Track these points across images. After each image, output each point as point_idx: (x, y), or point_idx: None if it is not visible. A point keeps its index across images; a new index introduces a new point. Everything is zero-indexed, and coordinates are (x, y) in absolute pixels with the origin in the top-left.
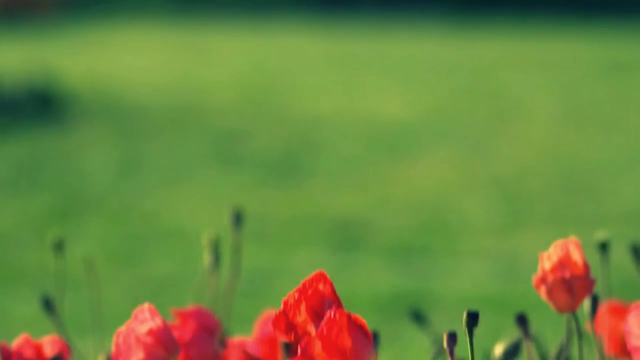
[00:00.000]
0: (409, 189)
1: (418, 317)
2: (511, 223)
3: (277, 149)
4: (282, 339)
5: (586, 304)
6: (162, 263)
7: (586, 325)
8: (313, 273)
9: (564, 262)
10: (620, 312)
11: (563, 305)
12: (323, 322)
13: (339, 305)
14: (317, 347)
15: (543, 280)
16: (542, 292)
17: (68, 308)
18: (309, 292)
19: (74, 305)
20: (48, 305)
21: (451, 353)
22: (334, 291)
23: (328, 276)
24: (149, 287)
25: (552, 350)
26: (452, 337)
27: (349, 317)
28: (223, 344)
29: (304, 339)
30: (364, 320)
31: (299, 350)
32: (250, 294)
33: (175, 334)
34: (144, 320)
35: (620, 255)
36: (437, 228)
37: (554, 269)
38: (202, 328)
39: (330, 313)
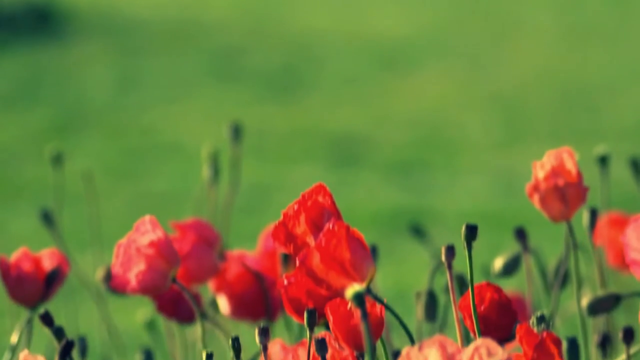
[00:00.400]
0: (409, 104)
1: (417, 231)
2: (510, 139)
3: (276, 64)
4: (281, 250)
5: (585, 217)
6: (160, 178)
7: (587, 239)
8: (312, 186)
9: (557, 170)
10: (621, 224)
11: (556, 214)
12: (322, 234)
13: (338, 217)
14: (316, 259)
15: (536, 188)
16: (536, 201)
17: (67, 223)
18: (309, 203)
19: (73, 220)
20: (47, 218)
21: (449, 266)
22: (333, 203)
23: (327, 188)
24: (148, 202)
25: (551, 264)
26: (451, 250)
27: (347, 228)
28: (222, 256)
29: (303, 251)
30: (361, 235)
31: (297, 262)
32: (249, 210)
33: (174, 246)
34: (145, 232)
35: (619, 170)
36: (436, 144)
37: (547, 177)
38: (201, 240)
39: (328, 225)
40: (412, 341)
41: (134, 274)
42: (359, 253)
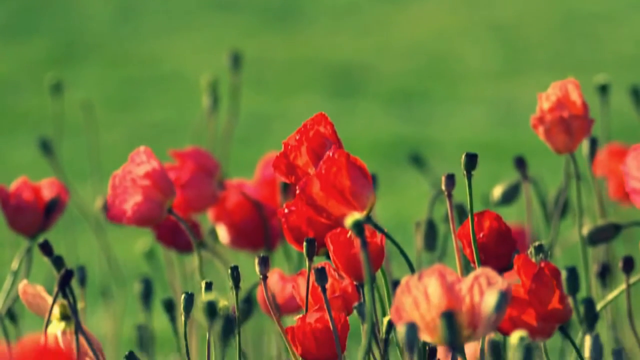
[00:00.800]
0: (408, 34)
1: (417, 160)
2: (510, 69)
3: None
4: (283, 180)
5: (585, 147)
6: (160, 108)
7: (587, 169)
8: (314, 115)
9: (562, 102)
10: (622, 155)
11: (561, 146)
12: (322, 162)
13: (339, 147)
14: (316, 187)
15: (541, 120)
16: (540, 133)
17: (66, 154)
18: (310, 133)
19: (73, 151)
20: (46, 147)
21: (449, 195)
22: (334, 133)
23: (328, 117)
24: (148, 132)
25: (551, 194)
26: (451, 179)
27: (348, 156)
28: (222, 185)
29: (303, 179)
30: (364, 163)
31: (297, 190)
32: (248, 140)
33: (174, 175)
34: (141, 163)
35: (619, 100)
36: (436, 74)
37: (552, 109)
38: (200, 168)
39: (329, 152)
40: (413, 270)
41: (130, 205)
42: (360, 181)
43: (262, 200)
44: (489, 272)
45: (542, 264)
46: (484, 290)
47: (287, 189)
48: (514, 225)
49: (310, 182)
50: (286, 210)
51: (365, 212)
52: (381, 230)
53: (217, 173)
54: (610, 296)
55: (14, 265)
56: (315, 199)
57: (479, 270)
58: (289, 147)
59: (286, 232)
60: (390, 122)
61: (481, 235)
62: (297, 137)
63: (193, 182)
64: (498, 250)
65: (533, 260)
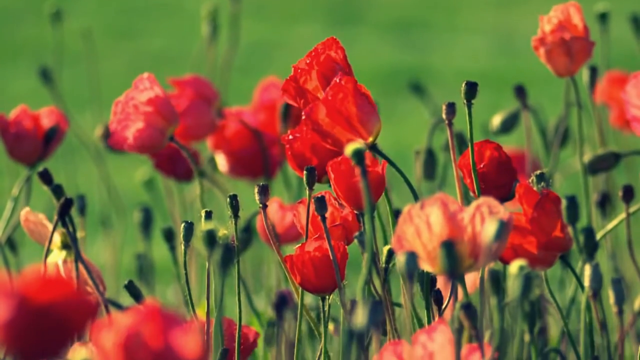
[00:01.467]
0: None
1: (417, 89)
2: None
3: None
4: (290, 102)
5: (586, 75)
6: (160, 36)
7: (587, 97)
8: (325, 40)
9: (563, 24)
10: (623, 82)
11: (562, 68)
12: (328, 88)
13: (349, 72)
14: (322, 113)
15: (542, 41)
16: (541, 55)
17: (66, 84)
18: (321, 57)
19: (73, 80)
20: (46, 76)
21: (449, 124)
22: (345, 58)
23: (340, 42)
24: (147, 61)
25: (551, 123)
26: (451, 107)
27: (355, 83)
28: (221, 113)
29: (309, 105)
30: (368, 91)
31: (303, 116)
32: (248, 69)
33: (173, 103)
34: (144, 89)
35: (620, 28)
36: (436, 3)
37: (553, 31)
38: (199, 97)
39: (336, 79)
40: (416, 199)
41: (132, 131)
42: (366, 108)
43: (260, 126)
44: (491, 201)
45: (544, 192)
46: (486, 220)
47: (287, 114)
48: (514, 151)
49: (316, 108)
50: (290, 137)
51: (371, 139)
52: (386, 157)
53: (216, 101)
54: (610, 225)
55: (14, 193)
56: (321, 125)
57: (480, 200)
58: (299, 70)
59: (290, 158)
60: (390, 51)
61: (482, 165)
62: (308, 61)
63: (192, 110)
64: (498, 180)
65: (534, 188)
